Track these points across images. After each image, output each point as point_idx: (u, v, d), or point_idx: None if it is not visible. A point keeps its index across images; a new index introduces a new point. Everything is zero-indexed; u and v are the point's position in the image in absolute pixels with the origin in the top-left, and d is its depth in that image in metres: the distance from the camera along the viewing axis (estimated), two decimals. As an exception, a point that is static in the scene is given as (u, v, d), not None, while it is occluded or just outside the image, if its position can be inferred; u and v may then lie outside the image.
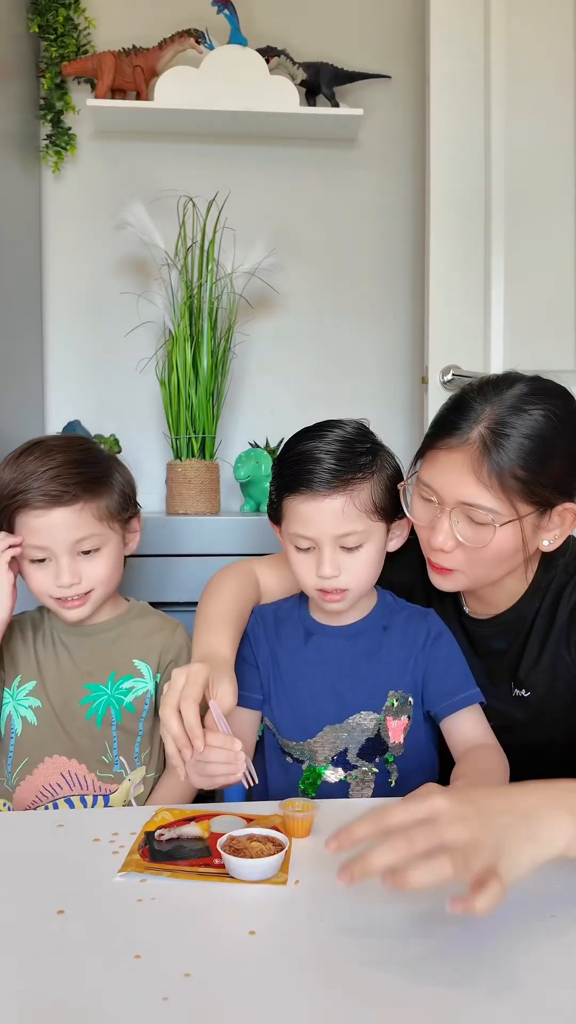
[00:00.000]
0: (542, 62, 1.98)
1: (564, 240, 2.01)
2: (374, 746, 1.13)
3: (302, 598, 1.21)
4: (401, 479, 1.14)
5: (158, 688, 1.23)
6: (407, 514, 1.11)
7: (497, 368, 1.99)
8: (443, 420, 1.07)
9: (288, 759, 1.16)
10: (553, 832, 0.71)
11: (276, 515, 1.14)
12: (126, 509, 1.23)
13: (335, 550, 1.08)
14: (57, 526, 1.15)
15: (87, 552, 1.18)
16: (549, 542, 1.08)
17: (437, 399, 1.96)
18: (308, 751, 1.15)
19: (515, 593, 1.16)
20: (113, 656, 1.23)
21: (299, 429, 1.15)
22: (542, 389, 1.05)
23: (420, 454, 1.11)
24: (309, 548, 1.09)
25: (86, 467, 1.18)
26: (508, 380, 1.06)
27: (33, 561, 1.17)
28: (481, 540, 1.02)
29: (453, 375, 1.94)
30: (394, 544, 1.15)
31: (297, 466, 1.08)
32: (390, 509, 1.11)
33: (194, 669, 0.97)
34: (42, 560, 1.17)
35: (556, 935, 0.75)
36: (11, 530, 1.17)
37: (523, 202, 1.99)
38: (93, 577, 1.18)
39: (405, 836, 0.68)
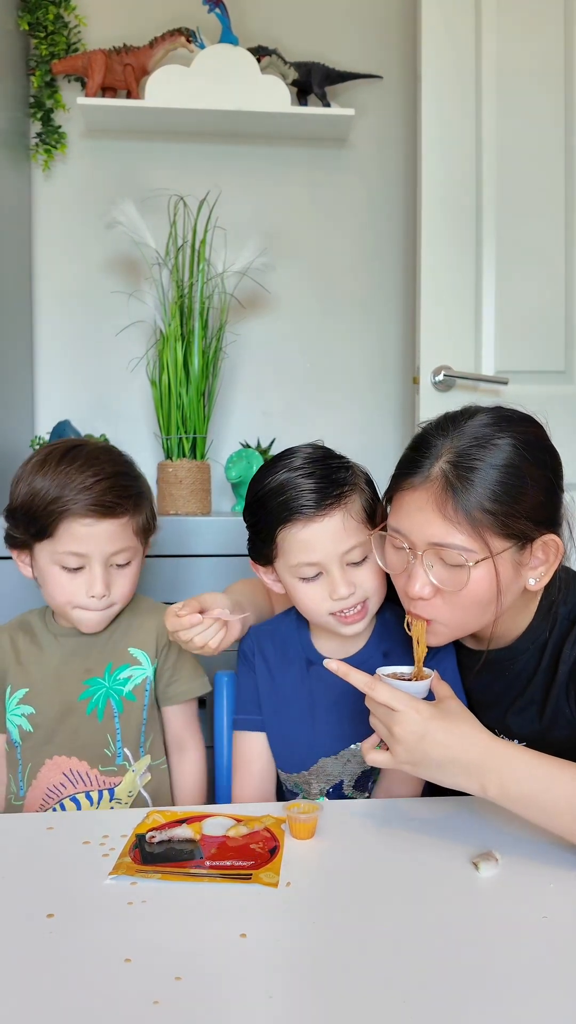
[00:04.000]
0: (532, 62, 1.98)
1: (554, 239, 2.02)
2: (369, 775, 1.12)
3: (300, 624, 1.18)
4: (374, 486, 1.11)
5: (157, 673, 1.23)
6: (380, 564, 1.05)
7: (489, 368, 2.00)
8: (405, 460, 1.02)
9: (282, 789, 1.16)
10: (458, 784, 0.89)
11: (267, 554, 1.10)
12: (151, 525, 1.25)
13: (343, 568, 1.05)
14: (101, 536, 1.15)
15: (120, 565, 1.18)
16: (535, 580, 1.00)
17: (428, 399, 1.96)
18: (302, 783, 1.14)
19: (509, 633, 1.09)
20: (109, 648, 1.23)
21: (257, 469, 1.11)
22: (504, 417, 1.00)
23: (388, 499, 1.05)
24: (317, 575, 1.07)
25: (131, 480, 1.20)
26: (467, 413, 1.01)
27: (66, 568, 1.16)
28: (457, 583, 0.95)
29: (444, 375, 1.94)
30: None
31: (282, 496, 1.05)
32: (377, 516, 1.09)
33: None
34: (76, 568, 1.16)
35: (549, 936, 0.75)
36: (52, 535, 1.15)
37: (514, 202, 1.99)
38: (120, 591, 1.19)
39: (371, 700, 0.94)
